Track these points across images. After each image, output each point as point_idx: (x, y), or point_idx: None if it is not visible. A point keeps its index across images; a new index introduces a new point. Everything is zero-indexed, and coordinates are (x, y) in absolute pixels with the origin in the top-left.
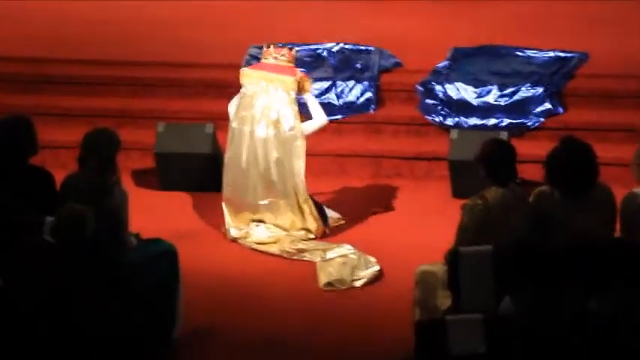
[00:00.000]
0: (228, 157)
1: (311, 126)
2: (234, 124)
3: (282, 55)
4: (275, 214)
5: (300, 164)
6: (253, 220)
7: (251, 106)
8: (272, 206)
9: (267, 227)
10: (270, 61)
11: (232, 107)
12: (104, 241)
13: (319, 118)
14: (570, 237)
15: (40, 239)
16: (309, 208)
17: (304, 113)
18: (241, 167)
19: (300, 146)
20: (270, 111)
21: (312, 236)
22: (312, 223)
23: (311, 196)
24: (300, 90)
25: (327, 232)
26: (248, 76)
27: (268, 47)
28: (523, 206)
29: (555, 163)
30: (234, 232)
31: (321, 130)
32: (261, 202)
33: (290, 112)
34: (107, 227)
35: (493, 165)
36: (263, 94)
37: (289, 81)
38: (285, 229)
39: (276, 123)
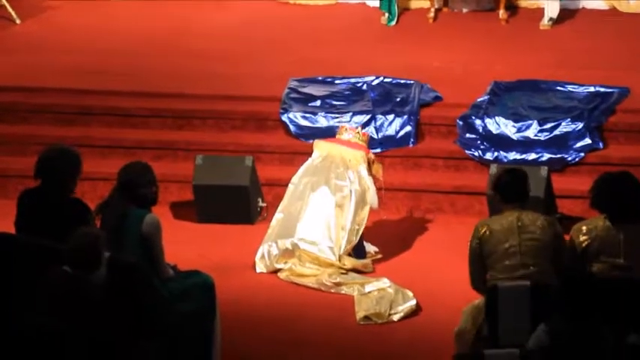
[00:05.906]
0: (280, 215)
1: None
2: (298, 186)
3: (357, 133)
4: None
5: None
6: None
7: (319, 173)
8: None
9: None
10: (345, 137)
11: (299, 172)
12: (141, 267)
13: (372, 203)
14: (612, 271)
15: (60, 270)
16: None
17: None
18: (292, 226)
19: (364, 217)
20: (338, 180)
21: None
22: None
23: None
24: (369, 170)
25: (370, 269)
26: (320, 147)
27: (343, 126)
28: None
29: (602, 186)
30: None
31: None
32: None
33: (358, 181)
34: (141, 256)
35: (501, 191)
36: (333, 164)
37: (360, 155)
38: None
39: (342, 190)
